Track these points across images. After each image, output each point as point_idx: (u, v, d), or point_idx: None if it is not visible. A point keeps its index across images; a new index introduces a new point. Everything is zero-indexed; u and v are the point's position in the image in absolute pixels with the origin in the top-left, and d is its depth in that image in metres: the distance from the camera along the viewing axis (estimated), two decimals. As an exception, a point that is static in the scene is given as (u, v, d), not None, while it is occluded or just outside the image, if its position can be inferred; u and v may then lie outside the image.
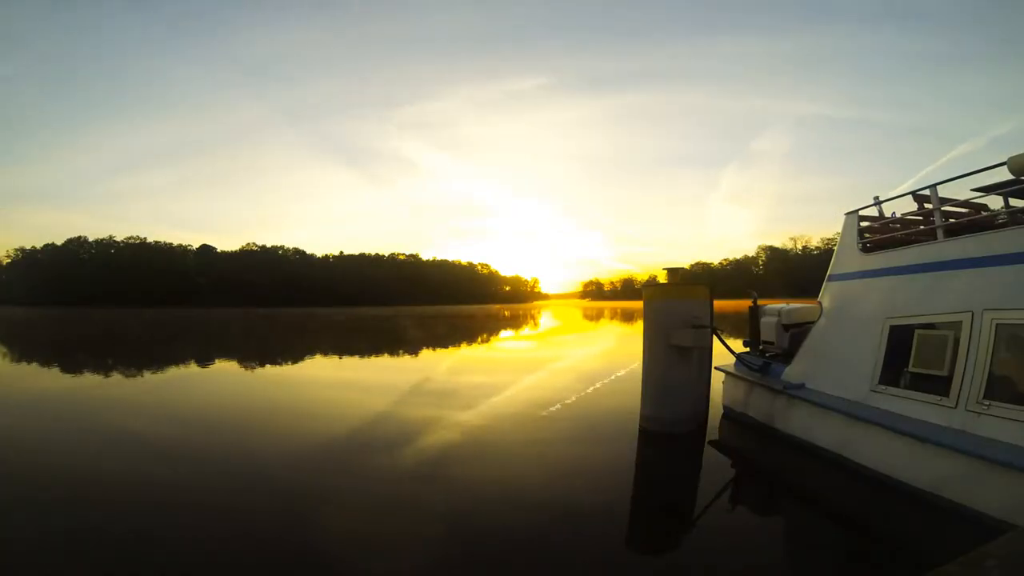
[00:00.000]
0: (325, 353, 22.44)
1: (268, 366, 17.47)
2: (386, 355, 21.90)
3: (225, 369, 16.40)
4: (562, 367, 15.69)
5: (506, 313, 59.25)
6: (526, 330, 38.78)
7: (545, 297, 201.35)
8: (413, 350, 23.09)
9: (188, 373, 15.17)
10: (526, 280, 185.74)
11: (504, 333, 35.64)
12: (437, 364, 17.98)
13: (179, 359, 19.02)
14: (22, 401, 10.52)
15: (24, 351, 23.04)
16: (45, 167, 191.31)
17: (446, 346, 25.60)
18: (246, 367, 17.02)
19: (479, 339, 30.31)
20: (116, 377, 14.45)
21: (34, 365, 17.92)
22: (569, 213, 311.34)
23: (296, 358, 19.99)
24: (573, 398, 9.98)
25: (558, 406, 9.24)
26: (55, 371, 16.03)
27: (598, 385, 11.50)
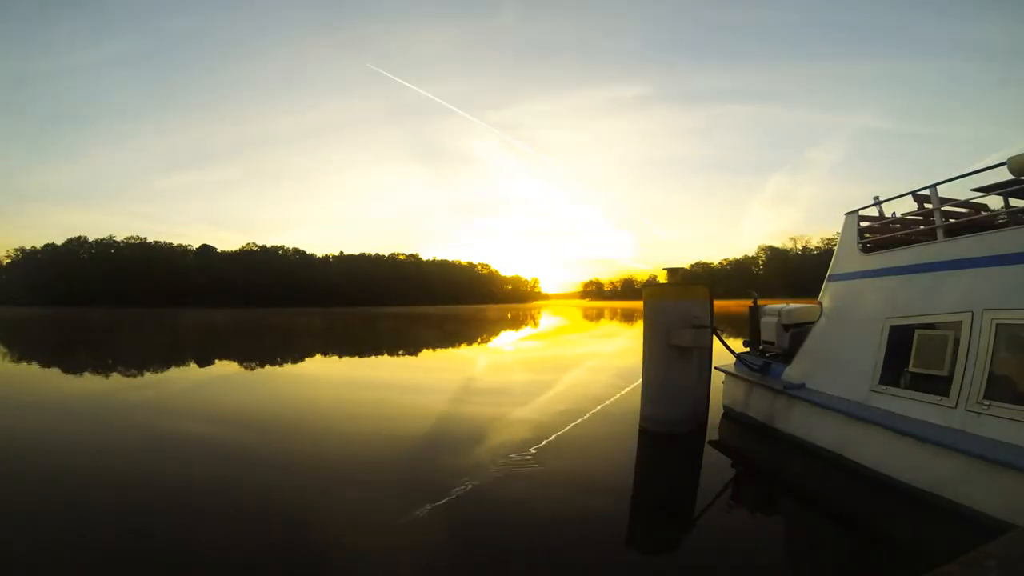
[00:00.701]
0: (361, 354, 22.01)
1: (312, 367, 17.61)
2: (418, 355, 21.86)
3: (268, 372, 15.95)
4: (596, 365, 16.03)
5: (508, 315, 59.02)
6: (545, 329, 39.00)
7: (545, 297, 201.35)
8: (441, 349, 23.68)
9: (224, 374, 15.16)
10: (526, 280, 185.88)
11: (524, 331, 36.19)
12: (473, 363, 18.34)
13: (209, 360, 19.08)
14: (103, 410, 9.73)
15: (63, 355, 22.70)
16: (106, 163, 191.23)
17: (471, 345, 26.01)
18: (289, 368, 17.02)
19: (502, 338, 30.63)
20: (173, 378, 14.13)
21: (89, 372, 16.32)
22: (608, 214, 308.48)
23: (333, 358, 20.19)
24: (616, 395, 10.17)
25: (608, 402, 9.50)
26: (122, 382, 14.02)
27: (637, 384, 11.59)
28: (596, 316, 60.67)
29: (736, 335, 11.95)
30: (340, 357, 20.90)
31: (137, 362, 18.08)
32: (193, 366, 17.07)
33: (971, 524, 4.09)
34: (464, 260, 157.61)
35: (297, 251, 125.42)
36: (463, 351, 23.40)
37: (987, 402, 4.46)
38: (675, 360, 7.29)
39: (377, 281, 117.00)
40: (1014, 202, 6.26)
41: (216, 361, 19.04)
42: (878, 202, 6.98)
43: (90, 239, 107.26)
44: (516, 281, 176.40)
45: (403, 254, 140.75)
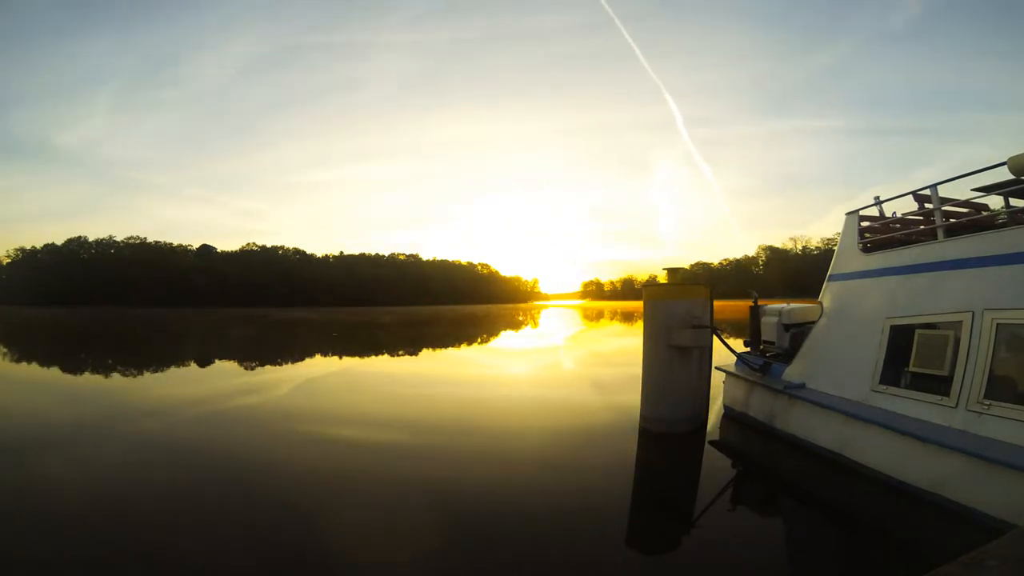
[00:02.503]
0: (431, 346, 22.71)
1: (402, 363, 17.97)
2: (489, 351, 22.43)
3: (366, 369, 16.25)
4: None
5: (520, 316, 58.91)
6: (576, 328, 39.23)
7: (545, 297, 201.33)
8: (506, 345, 25.28)
9: (323, 373, 14.92)
10: (526, 280, 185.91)
11: (571, 329, 36.91)
12: (554, 357, 18.81)
13: (290, 358, 19.42)
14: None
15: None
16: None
17: (532, 343, 26.87)
18: (377, 364, 17.38)
19: (550, 335, 31.50)
20: (272, 380, 13.35)
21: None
22: (608, 214, 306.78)
23: (405, 356, 20.38)
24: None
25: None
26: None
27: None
28: (620, 316, 60.25)
29: (736, 335, 11.97)
30: (432, 349, 22.14)
31: (214, 364, 17.92)
32: (281, 365, 17.19)
33: (971, 524, 4.08)
34: (464, 260, 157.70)
35: (297, 251, 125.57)
36: (528, 347, 24.14)
37: (987, 402, 4.46)
38: (675, 360, 7.29)
39: (377, 281, 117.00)
40: (1014, 202, 6.27)
41: (304, 359, 19.46)
42: (879, 202, 6.98)
43: (90, 239, 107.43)
44: (516, 281, 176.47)
45: (403, 254, 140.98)
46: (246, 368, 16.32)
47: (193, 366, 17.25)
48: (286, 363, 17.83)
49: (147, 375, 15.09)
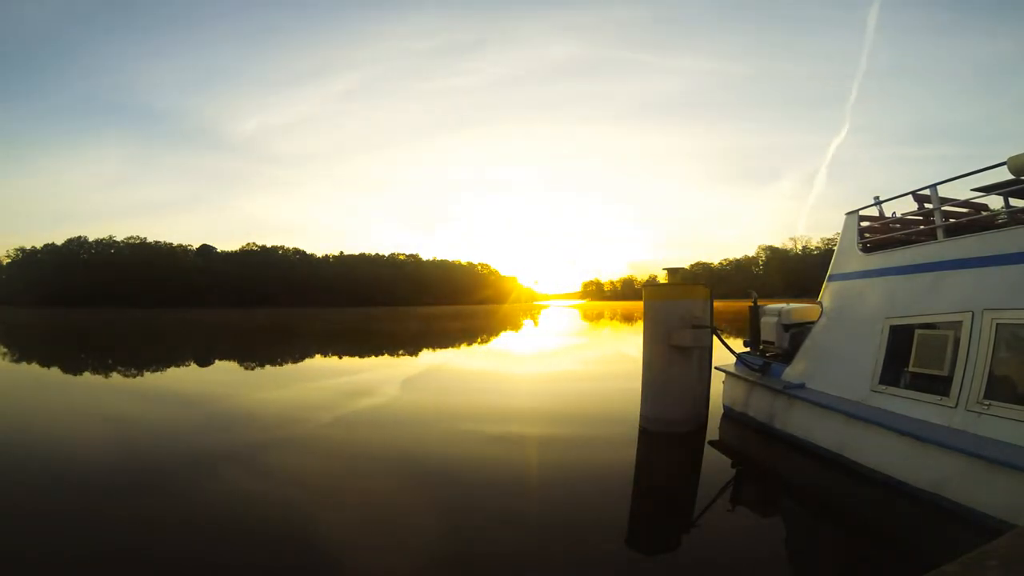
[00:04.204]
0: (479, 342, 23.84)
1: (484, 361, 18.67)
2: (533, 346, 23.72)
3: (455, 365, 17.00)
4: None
5: (527, 318, 58.94)
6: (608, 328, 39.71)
7: (545, 297, 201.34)
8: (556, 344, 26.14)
9: (419, 372, 15.20)
10: (526, 280, 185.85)
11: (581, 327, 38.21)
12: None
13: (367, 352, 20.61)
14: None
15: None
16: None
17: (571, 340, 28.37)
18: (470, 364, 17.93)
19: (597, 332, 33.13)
20: (374, 380, 13.20)
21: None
22: (608, 213, 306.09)
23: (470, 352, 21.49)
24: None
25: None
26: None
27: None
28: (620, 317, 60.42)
29: (736, 335, 11.95)
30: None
31: (293, 366, 17.87)
32: (365, 363, 17.83)
33: (971, 524, 4.08)
34: (464, 260, 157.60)
35: (297, 251, 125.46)
36: (578, 344, 25.49)
37: (987, 402, 4.46)
38: (675, 360, 7.29)
39: (377, 281, 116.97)
40: (1014, 202, 6.27)
41: (377, 354, 20.58)
42: (878, 202, 6.98)
43: (90, 239, 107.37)
44: (516, 281, 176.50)
45: (403, 254, 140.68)
46: (338, 369, 16.66)
47: (315, 363, 18.10)
48: (365, 360, 18.85)
49: (266, 372, 15.63)
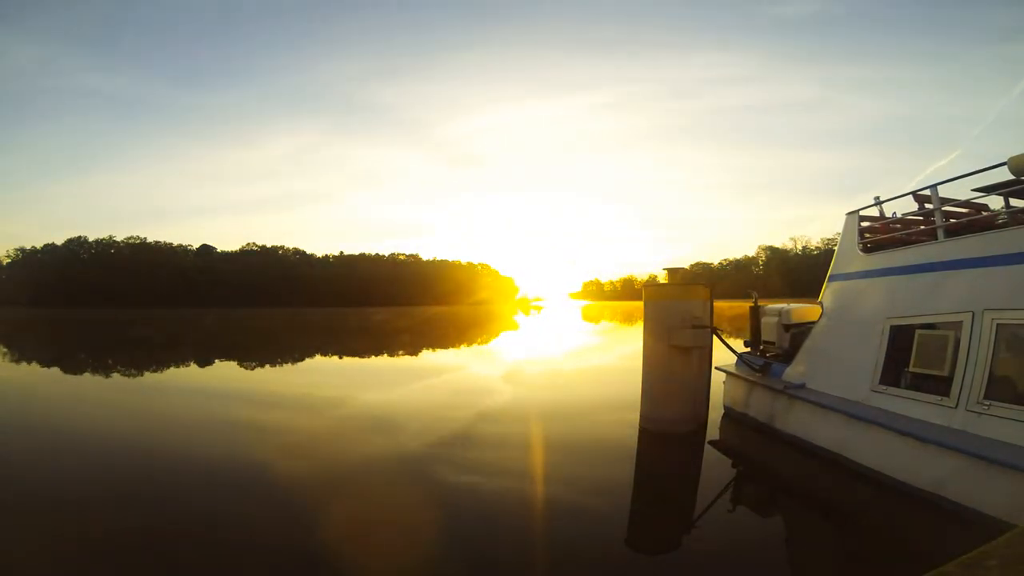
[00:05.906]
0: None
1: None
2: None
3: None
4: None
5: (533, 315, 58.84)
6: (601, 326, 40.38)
7: (545, 297, 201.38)
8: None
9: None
10: (526, 281, 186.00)
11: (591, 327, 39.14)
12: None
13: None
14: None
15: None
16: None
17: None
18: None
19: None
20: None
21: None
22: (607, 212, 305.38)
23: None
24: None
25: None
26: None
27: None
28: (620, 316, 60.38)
29: (736, 335, 11.95)
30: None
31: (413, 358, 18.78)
32: (446, 360, 18.40)
33: (971, 524, 4.09)
34: (464, 260, 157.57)
35: (297, 251, 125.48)
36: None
37: (987, 402, 4.46)
38: (675, 360, 7.29)
39: (377, 281, 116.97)
40: (1014, 202, 6.26)
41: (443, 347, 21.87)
42: (879, 202, 6.97)
43: (90, 239, 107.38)
44: (516, 281, 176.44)
45: (403, 254, 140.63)
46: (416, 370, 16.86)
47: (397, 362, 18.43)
48: (444, 357, 19.78)
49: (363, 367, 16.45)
